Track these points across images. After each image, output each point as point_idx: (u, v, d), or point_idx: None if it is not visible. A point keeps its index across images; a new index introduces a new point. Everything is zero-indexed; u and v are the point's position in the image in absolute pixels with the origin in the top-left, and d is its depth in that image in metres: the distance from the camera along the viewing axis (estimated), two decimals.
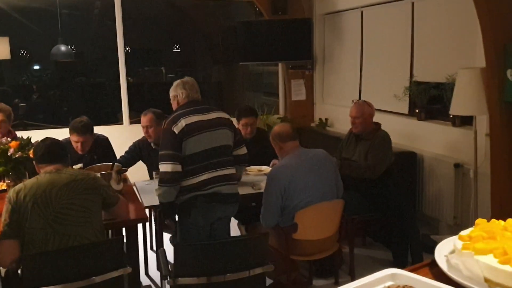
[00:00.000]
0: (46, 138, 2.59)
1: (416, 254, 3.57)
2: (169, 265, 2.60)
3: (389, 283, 1.01)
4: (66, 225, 2.30)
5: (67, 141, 3.63)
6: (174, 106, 3.02)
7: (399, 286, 0.99)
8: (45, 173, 2.40)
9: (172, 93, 3.02)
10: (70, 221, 2.31)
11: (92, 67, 10.26)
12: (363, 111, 3.77)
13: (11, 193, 2.31)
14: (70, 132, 3.72)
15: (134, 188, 3.45)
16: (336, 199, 3.08)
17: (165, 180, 2.77)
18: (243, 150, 3.09)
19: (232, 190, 2.93)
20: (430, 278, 1.13)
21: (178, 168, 2.76)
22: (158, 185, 2.80)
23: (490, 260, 1.06)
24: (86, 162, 3.64)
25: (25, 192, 2.29)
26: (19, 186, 2.35)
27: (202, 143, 2.82)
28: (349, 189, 3.49)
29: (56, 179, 2.36)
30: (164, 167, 2.77)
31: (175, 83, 3.03)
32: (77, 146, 3.69)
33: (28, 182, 2.36)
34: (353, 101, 4.00)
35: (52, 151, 2.48)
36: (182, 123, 2.80)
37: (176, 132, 2.79)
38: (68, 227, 2.31)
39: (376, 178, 3.65)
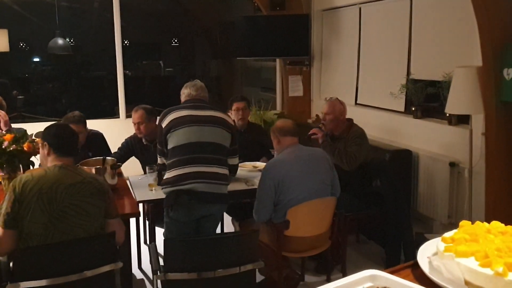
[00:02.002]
0: (66, 125, 2.53)
1: (409, 253, 3.57)
2: (160, 260, 2.61)
3: (368, 284, 1.01)
4: (67, 224, 2.28)
5: None
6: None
7: (378, 287, 0.99)
8: (54, 167, 2.34)
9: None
10: (71, 221, 2.28)
11: (90, 61, 10.23)
12: (335, 108, 3.79)
13: (17, 182, 2.26)
14: None
15: (128, 182, 3.46)
16: (328, 196, 3.08)
17: (158, 167, 3.13)
18: (235, 161, 3.06)
19: (214, 190, 2.81)
20: (412, 280, 1.13)
21: (163, 161, 2.99)
22: None
23: (471, 263, 1.06)
24: (81, 158, 3.63)
25: (31, 184, 2.24)
26: (27, 176, 2.29)
27: (186, 136, 2.81)
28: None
29: (64, 176, 2.31)
30: (158, 159, 3.06)
31: (184, 87, 3.13)
32: None
33: (36, 173, 2.31)
34: (325, 98, 4.01)
35: (71, 143, 2.44)
36: (172, 116, 2.88)
37: (163, 126, 2.87)
38: (68, 227, 2.28)
39: (365, 176, 3.66)
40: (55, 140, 2.42)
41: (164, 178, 2.88)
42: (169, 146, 2.85)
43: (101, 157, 3.27)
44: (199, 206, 2.81)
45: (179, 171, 2.78)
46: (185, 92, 3.05)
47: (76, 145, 2.51)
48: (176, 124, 2.83)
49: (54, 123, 2.59)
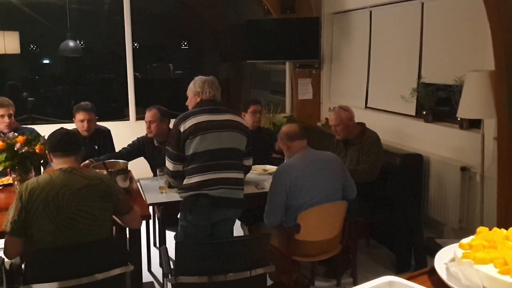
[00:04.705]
0: (62, 128, 2.53)
1: (419, 258, 3.55)
2: (171, 263, 2.61)
3: None
4: (75, 231, 2.28)
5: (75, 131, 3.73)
6: (191, 103, 3.00)
7: None
8: (60, 172, 2.34)
9: (191, 90, 3.00)
10: (79, 227, 2.28)
11: (100, 63, 10.29)
12: (341, 117, 3.76)
13: (23, 189, 2.26)
14: (75, 112, 3.86)
15: (138, 184, 3.46)
16: (339, 201, 3.07)
17: (169, 174, 2.96)
18: (249, 162, 3.06)
19: (233, 195, 2.85)
20: (429, 286, 1.13)
21: (179, 167, 2.87)
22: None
23: (490, 270, 1.05)
24: (87, 151, 3.68)
25: (38, 191, 2.24)
26: (32, 182, 2.28)
27: (207, 143, 2.79)
28: None
29: (70, 181, 2.30)
30: (167, 163, 2.93)
31: (197, 80, 2.99)
32: (82, 126, 3.82)
33: (42, 179, 2.30)
34: (329, 108, 3.99)
35: (67, 140, 2.43)
36: (191, 121, 2.81)
37: (182, 131, 2.80)
38: (77, 233, 2.28)
39: (376, 180, 3.63)
40: (50, 142, 2.46)
41: (184, 183, 2.84)
42: (189, 152, 2.80)
43: (115, 160, 3.29)
44: (217, 210, 2.83)
45: (201, 177, 2.78)
46: (192, 90, 2.97)
47: (74, 142, 2.47)
48: (196, 130, 2.79)
49: None
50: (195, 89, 2.97)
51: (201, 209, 2.80)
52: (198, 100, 2.95)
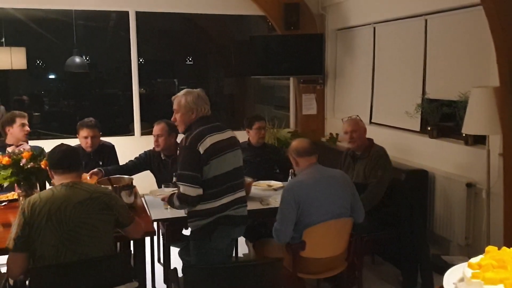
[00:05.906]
0: (62, 144, 2.53)
1: (426, 275, 3.51)
2: (180, 284, 2.58)
3: None
4: (78, 244, 2.28)
5: (79, 147, 3.81)
6: (183, 120, 2.78)
7: None
8: (61, 186, 2.35)
9: (183, 106, 2.76)
10: (82, 240, 2.28)
11: (105, 78, 10.39)
12: (359, 125, 3.80)
13: (26, 205, 2.27)
14: (79, 129, 3.92)
15: (142, 199, 3.46)
16: (345, 217, 3.04)
17: (188, 201, 2.64)
18: None
19: (245, 213, 2.87)
20: None
21: (200, 191, 2.61)
22: (178, 202, 2.67)
23: None
24: (91, 166, 3.69)
25: (40, 206, 2.25)
26: (35, 198, 2.30)
27: (225, 165, 2.70)
28: None
29: (72, 195, 2.31)
30: (184, 189, 2.61)
31: (188, 95, 2.76)
32: (86, 142, 3.88)
33: (44, 195, 2.31)
34: (342, 119, 4.01)
35: (67, 157, 2.44)
36: (208, 141, 2.62)
37: (202, 152, 2.60)
38: (79, 246, 2.28)
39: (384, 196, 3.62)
40: (50, 160, 2.47)
41: (203, 208, 2.68)
42: (208, 176, 2.64)
43: (120, 176, 3.29)
44: (234, 230, 2.79)
45: (222, 200, 2.69)
46: (185, 106, 2.75)
47: (75, 159, 2.49)
48: (214, 151, 2.64)
49: None
50: (188, 105, 2.73)
51: (222, 232, 2.72)
52: (193, 116, 2.74)
